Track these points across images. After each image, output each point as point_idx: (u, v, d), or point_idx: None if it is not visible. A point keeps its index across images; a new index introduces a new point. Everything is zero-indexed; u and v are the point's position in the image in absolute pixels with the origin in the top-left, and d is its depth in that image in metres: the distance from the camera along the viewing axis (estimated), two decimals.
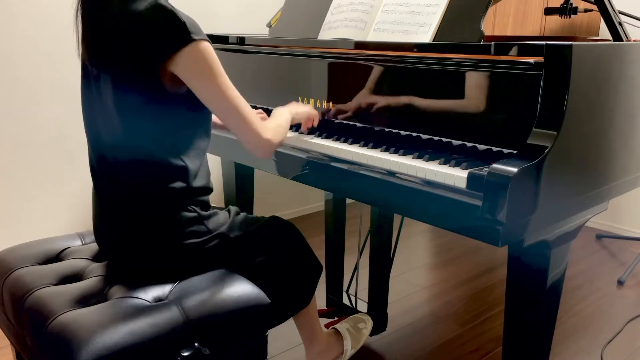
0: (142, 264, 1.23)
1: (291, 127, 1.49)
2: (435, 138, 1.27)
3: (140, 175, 1.19)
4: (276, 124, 1.30)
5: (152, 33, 1.09)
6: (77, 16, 1.18)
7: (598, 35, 2.05)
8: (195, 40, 1.10)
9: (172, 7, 1.11)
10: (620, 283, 2.42)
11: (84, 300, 1.13)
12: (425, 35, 1.35)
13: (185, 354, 1.06)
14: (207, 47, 1.13)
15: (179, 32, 1.09)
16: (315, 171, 1.40)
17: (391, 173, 1.21)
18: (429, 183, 1.14)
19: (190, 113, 1.21)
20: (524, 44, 1.12)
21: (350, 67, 1.44)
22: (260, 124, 1.21)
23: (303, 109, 1.46)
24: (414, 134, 1.31)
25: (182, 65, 1.11)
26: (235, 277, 1.22)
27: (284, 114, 1.38)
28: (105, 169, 1.22)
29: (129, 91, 1.15)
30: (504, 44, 1.15)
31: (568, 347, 1.92)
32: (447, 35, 1.32)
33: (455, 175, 1.09)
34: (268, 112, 1.61)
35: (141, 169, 1.19)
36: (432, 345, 1.92)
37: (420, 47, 1.30)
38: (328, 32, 1.59)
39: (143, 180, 1.19)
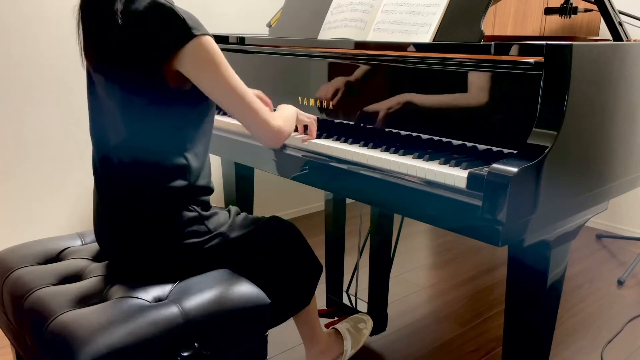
0: (142, 263, 1.23)
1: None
2: (435, 138, 1.27)
3: (143, 175, 1.19)
4: (284, 116, 1.32)
5: (153, 32, 1.09)
6: (78, 26, 1.18)
7: (598, 35, 2.05)
8: (196, 35, 1.10)
9: (171, 4, 1.11)
10: (620, 283, 2.42)
11: (84, 300, 1.12)
12: (425, 35, 1.35)
13: (185, 354, 1.06)
14: (209, 40, 1.13)
15: (179, 30, 1.09)
16: (315, 171, 1.40)
17: (391, 173, 1.21)
18: (429, 183, 1.14)
19: (195, 111, 1.22)
20: (524, 44, 1.12)
21: (351, 67, 1.44)
22: (268, 113, 1.23)
23: (303, 115, 1.46)
24: (414, 134, 1.31)
25: (187, 62, 1.11)
26: (235, 277, 1.22)
27: (290, 109, 1.41)
28: (109, 169, 1.22)
29: (134, 93, 1.15)
30: (504, 44, 1.15)
31: (568, 347, 1.92)
32: (447, 35, 1.32)
33: (455, 175, 1.09)
34: None
35: (145, 169, 1.19)
36: (432, 345, 1.92)
37: (420, 47, 1.30)
38: (328, 32, 1.59)
39: (146, 180, 1.19)
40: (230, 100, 1.18)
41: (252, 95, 1.20)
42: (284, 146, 1.48)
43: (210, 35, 1.14)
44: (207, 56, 1.13)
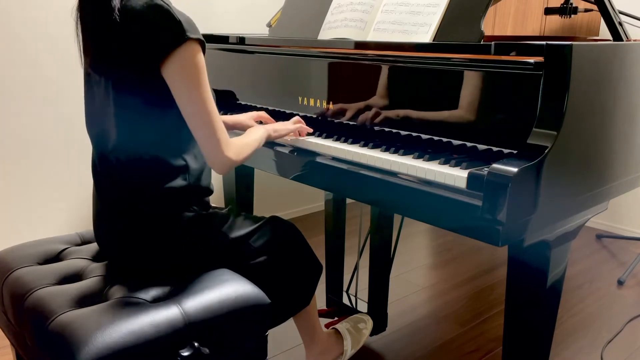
0: (142, 263, 1.23)
1: None
2: (435, 138, 1.27)
3: (142, 175, 1.19)
4: (243, 143, 1.26)
5: (149, 32, 1.09)
6: (77, 26, 1.18)
7: (598, 35, 2.05)
8: (191, 38, 1.10)
9: (169, 5, 1.11)
10: (620, 283, 2.42)
11: (84, 300, 1.12)
12: (425, 35, 1.35)
13: (185, 353, 1.06)
14: (199, 50, 1.13)
15: (174, 31, 1.09)
16: (315, 171, 1.40)
17: (391, 173, 1.21)
18: (429, 183, 1.14)
19: None
20: (524, 44, 1.12)
21: (350, 67, 1.44)
22: (226, 140, 1.18)
23: (283, 127, 1.44)
24: (414, 134, 1.31)
25: (175, 64, 1.10)
26: (235, 277, 1.22)
27: (256, 133, 1.35)
28: (109, 169, 1.21)
29: (131, 92, 1.15)
30: (504, 44, 1.15)
31: (568, 347, 1.92)
32: (447, 35, 1.32)
33: (456, 175, 1.09)
34: (267, 112, 1.61)
35: (144, 169, 1.19)
36: (432, 345, 1.92)
37: (420, 47, 1.30)
38: (328, 32, 1.59)
39: (145, 180, 1.19)
40: (198, 116, 1.14)
41: (219, 117, 1.17)
42: (284, 146, 1.48)
43: (203, 42, 1.14)
44: (193, 64, 1.11)
